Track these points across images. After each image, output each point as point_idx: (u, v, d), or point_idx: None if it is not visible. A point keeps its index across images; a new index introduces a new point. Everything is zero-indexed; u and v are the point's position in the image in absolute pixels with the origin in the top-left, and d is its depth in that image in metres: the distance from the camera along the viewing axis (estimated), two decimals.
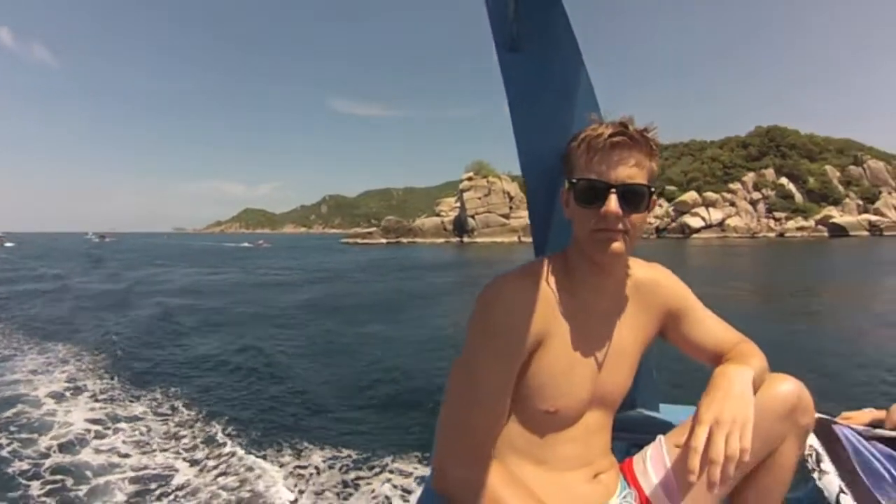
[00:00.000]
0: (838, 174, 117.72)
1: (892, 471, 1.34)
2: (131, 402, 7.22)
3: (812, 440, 1.45)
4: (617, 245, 1.04)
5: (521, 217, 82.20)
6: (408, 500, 4.57)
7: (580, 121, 1.12)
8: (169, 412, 6.84)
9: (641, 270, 1.25)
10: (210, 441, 5.85)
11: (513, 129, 1.30)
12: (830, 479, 1.37)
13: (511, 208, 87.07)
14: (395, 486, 4.80)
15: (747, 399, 1.00)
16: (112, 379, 8.33)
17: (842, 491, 1.34)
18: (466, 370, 1.06)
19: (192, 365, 9.46)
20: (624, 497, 1.20)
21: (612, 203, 1.01)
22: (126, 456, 5.44)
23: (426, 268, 35.48)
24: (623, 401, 1.30)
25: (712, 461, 0.90)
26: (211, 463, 5.30)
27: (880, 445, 1.41)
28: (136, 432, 6.09)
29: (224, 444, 5.75)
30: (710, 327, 1.26)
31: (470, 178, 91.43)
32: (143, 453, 5.52)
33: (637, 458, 1.27)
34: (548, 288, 1.11)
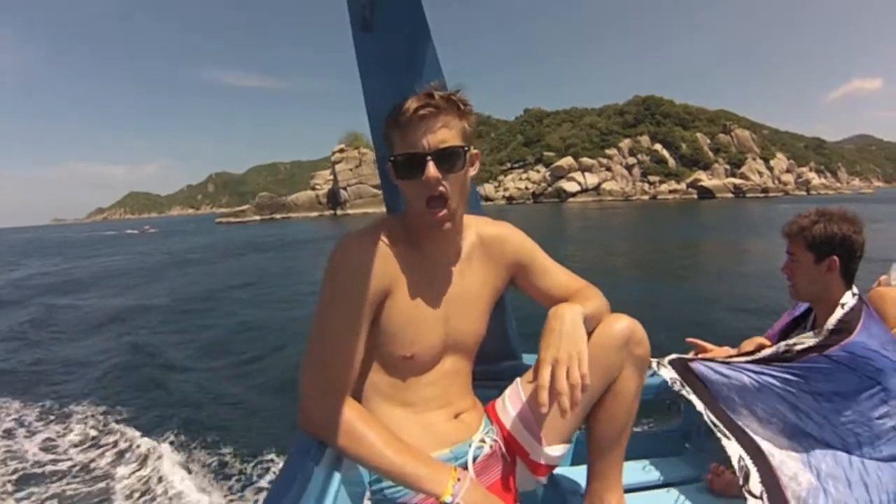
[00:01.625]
0: (708, 141, 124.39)
1: (737, 389, 1.65)
2: None
3: (672, 375, 1.76)
4: (445, 224, 1.16)
5: None
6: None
7: None
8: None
9: (488, 228, 1.37)
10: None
11: (364, 102, 1.39)
12: (694, 403, 1.67)
13: None
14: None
15: (579, 332, 1.12)
16: None
17: (705, 412, 1.65)
18: (319, 321, 1.14)
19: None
20: (487, 433, 1.35)
21: (431, 170, 1.09)
22: None
23: (288, 245, 33.19)
24: (488, 353, 1.50)
25: (559, 393, 1.02)
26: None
27: (728, 370, 1.68)
28: None
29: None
30: (555, 276, 1.39)
31: (342, 150, 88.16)
32: None
33: (499, 400, 1.43)
34: (391, 244, 1.19)
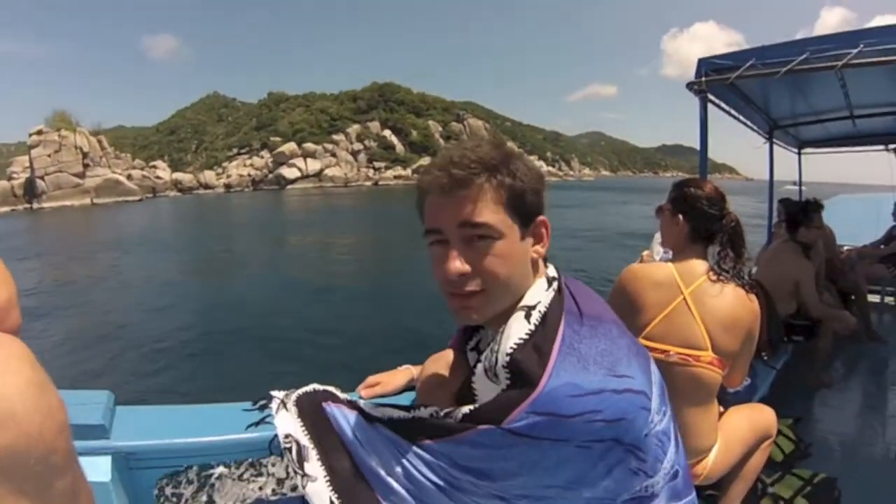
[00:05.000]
0: (440, 129, 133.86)
1: (387, 461, 0.95)
2: None
3: (290, 424, 1.08)
4: None
5: (98, 176, 75.53)
6: None
7: None
8: None
9: None
10: None
11: None
12: (308, 479, 1.00)
13: (86, 166, 77.17)
14: None
15: None
16: None
17: (327, 491, 0.99)
18: None
19: None
20: None
21: None
22: None
23: None
24: None
25: None
26: None
27: (370, 432, 1.01)
28: None
29: None
30: None
31: (40, 132, 77.49)
32: None
33: None
34: None
